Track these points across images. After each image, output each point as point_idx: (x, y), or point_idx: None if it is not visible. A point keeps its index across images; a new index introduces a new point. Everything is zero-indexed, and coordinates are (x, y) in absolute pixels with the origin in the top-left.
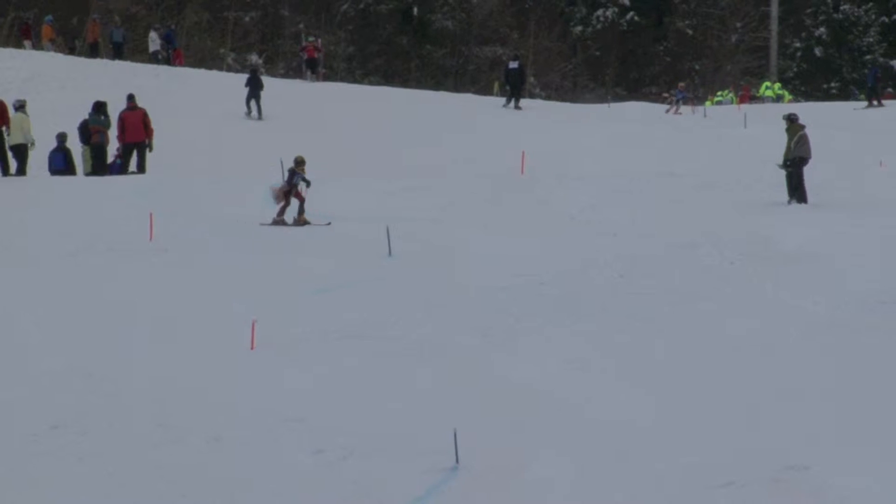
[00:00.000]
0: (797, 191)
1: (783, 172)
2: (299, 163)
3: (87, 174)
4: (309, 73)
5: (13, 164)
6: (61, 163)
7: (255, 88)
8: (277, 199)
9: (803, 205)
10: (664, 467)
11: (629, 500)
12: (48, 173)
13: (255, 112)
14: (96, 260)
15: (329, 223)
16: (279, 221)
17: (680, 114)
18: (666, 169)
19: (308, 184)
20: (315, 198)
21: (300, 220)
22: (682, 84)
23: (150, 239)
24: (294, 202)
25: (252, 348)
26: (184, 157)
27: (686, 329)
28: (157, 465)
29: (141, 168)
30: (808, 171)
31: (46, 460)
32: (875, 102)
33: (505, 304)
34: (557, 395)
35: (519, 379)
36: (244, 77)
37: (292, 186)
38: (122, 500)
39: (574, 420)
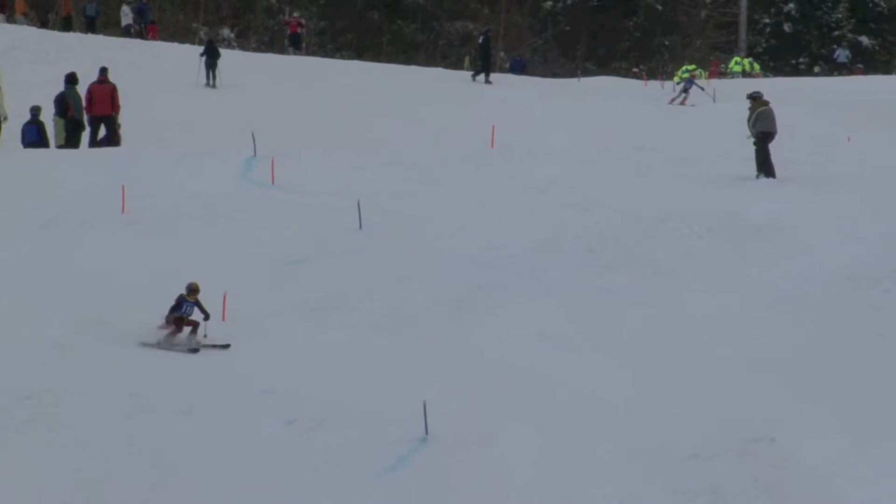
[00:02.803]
0: (765, 165)
1: (752, 147)
2: (192, 290)
3: (60, 146)
4: (291, 49)
5: None
6: (35, 135)
7: (211, 57)
8: (165, 328)
9: (771, 179)
10: (632, 440)
11: (596, 472)
12: (21, 146)
13: (212, 81)
14: (69, 232)
15: (228, 345)
16: (168, 345)
17: (684, 104)
18: (636, 143)
19: (206, 315)
20: (287, 170)
21: (194, 345)
22: (694, 71)
23: (123, 211)
24: (185, 329)
25: (223, 319)
26: (156, 130)
27: (654, 302)
28: (129, 436)
29: (111, 141)
30: (777, 146)
31: (19, 430)
32: None
33: (475, 277)
34: (527, 367)
35: (489, 351)
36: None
37: (182, 316)
38: (94, 469)
39: (542, 392)
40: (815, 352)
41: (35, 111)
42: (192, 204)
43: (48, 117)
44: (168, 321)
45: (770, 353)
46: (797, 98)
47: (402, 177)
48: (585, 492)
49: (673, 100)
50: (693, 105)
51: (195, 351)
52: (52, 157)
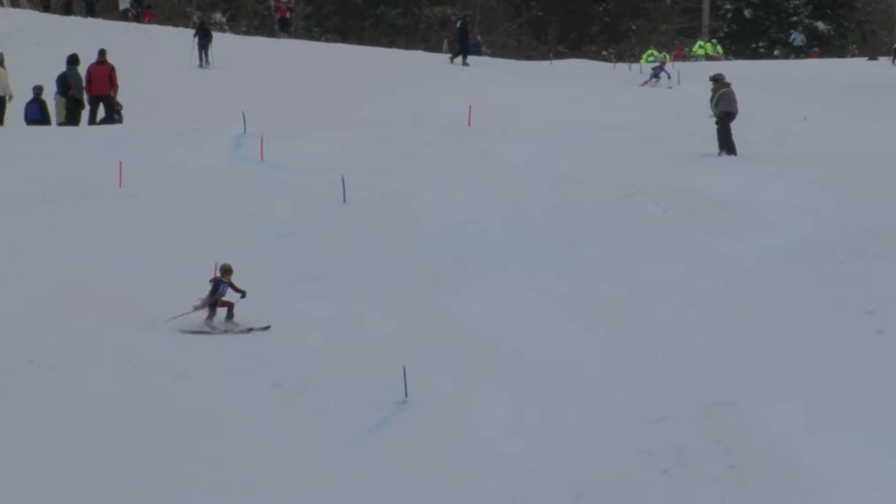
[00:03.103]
0: (726, 144)
1: (714, 126)
2: (226, 271)
3: (61, 124)
4: (281, 32)
5: None
6: (37, 113)
7: (203, 38)
8: (200, 309)
9: (733, 157)
10: (599, 403)
11: (565, 434)
12: (24, 123)
13: (204, 61)
14: (69, 205)
15: (267, 327)
16: (209, 327)
17: (655, 86)
18: (604, 122)
19: (242, 294)
20: (275, 147)
21: (230, 326)
22: (662, 58)
23: (120, 186)
24: (221, 311)
25: None
26: (151, 109)
27: (622, 274)
28: (126, 400)
29: (109, 121)
30: (738, 126)
31: (21, 394)
32: None
33: (453, 249)
34: (500, 335)
35: (465, 319)
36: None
37: (217, 297)
38: (92, 432)
39: (515, 358)
40: (774, 320)
41: (37, 90)
42: (184, 179)
43: (50, 96)
44: (203, 305)
45: (731, 321)
46: (757, 80)
47: (384, 154)
48: (555, 452)
49: (644, 83)
50: (670, 88)
51: (230, 331)
52: (53, 133)
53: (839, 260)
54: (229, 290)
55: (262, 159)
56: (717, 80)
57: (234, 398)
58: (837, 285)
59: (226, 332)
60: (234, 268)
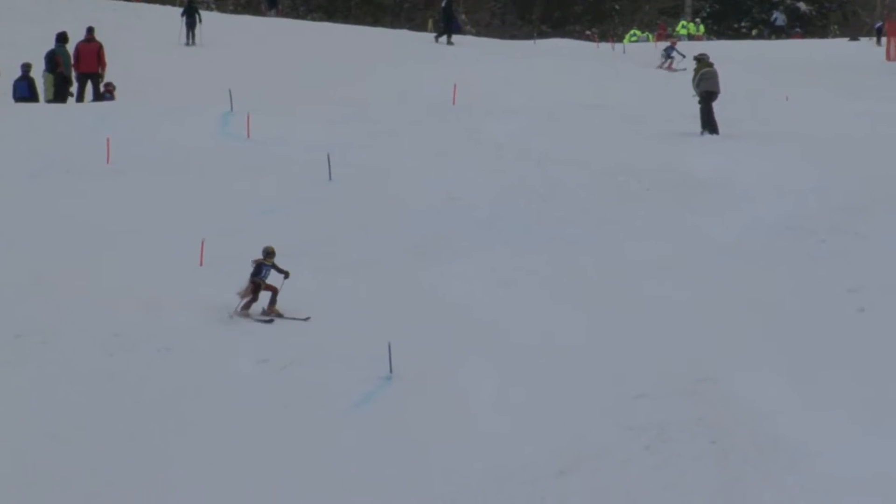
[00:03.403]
0: (709, 123)
1: (697, 106)
2: (269, 253)
3: (49, 101)
4: (271, 11)
5: None
6: (25, 91)
7: (190, 17)
8: (244, 294)
9: (715, 136)
10: (584, 381)
11: (550, 411)
12: (12, 100)
13: (191, 40)
14: (57, 181)
15: (307, 318)
16: (244, 315)
17: (674, 69)
18: (588, 101)
19: (286, 275)
20: (262, 124)
21: (270, 311)
22: (673, 39)
23: (108, 162)
24: (265, 294)
25: (201, 264)
26: (139, 86)
27: (604, 251)
28: (113, 373)
29: (96, 97)
30: (720, 105)
31: (9, 368)
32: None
33: (437, 226)
34: (485, 311)
35: (449, 295)
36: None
37: (261, 281)
38: (79, 405)
39: (499, 334)
40: (755, 298)
41: (26, 68)
42: (172, 156)
43: (38, 73)
44: (247, 290)
45: (713, 298)
46: (740, 60)
47: (369, 131)
48: (539, 428)
49: (660, 65)
50: (684, 69)
51: (270, 321)
52: (41, 110)
53: (821, 238)
54: (273, 272)
55: (248, 137)
56: (701, 60)
57: (221, 373)
58: (819, 264)
59: (269, 321)
60: (275, 250)
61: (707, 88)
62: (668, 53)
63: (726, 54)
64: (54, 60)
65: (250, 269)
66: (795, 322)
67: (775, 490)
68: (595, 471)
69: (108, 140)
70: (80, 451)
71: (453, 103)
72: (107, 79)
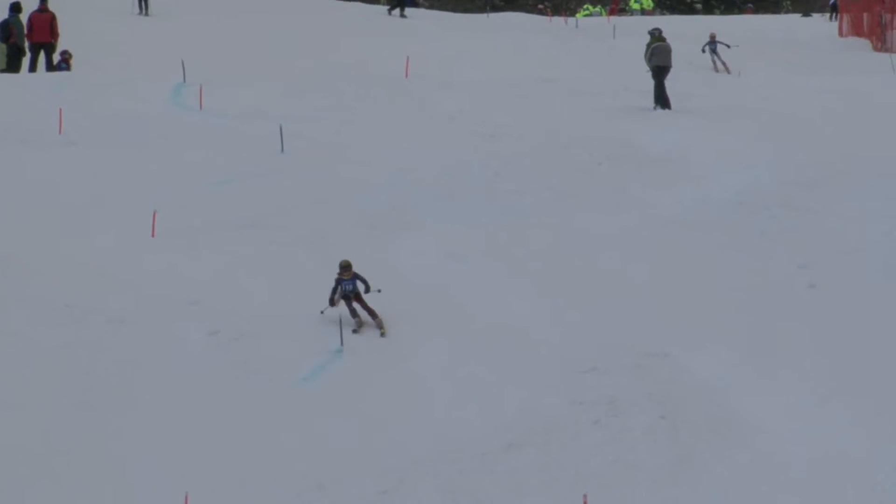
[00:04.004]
0: (661, 98)
1: (649, 80)
2: (345, 268)
3: (1, 71)
4: None
5: None
6: None
7: None
8: (353, 316)
9: (667, 111)
10: (534, 354)
11: (499, 384)
12: None
13: (144, 9)
14: (9, 150)
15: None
16: (360, 322)
17: (728, 71)
18: (541, 75)
19: (367, 287)
20: (214, 96)
21: (381, 330)
22: (713, 32)
23: (60, 132)
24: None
25: (153, 236)
26: (91, 56)
27: (556, 224)
28: (63, 344)
29: (49, 67)
30: (673, 80)
31: None
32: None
33: (389, 199)
34: (438, 285)
35: (402, 268)
36: None
37: (351, 294)
38: (27, 375)
39: (452, 309)
40: (706, 272)
41: None
42: (125, 126)
43: None
44: (333, 303)
45: (664, 273)
46: (692, 35)
47: (322, 104)
48: (488, 400)
49: (714, 67)
50: (737, 46)
51: (355, 332)
52: None
53: (772, 214)
54: (354, 284)
55: (200, 108)
56: (653, 35)
57: (172, 345)
58: (770, 239)
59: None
60: (351, 262)
61: (659, 63)
62: (713, 49)
63: (679, 30)
64: (7, 30)
65: (332, 287)
66: (747, 297)
67: (726, 465)
68: (544, 444)
69: (60, 110)
70: (31, 421)
71: (406, 76)
72: (60, 48)
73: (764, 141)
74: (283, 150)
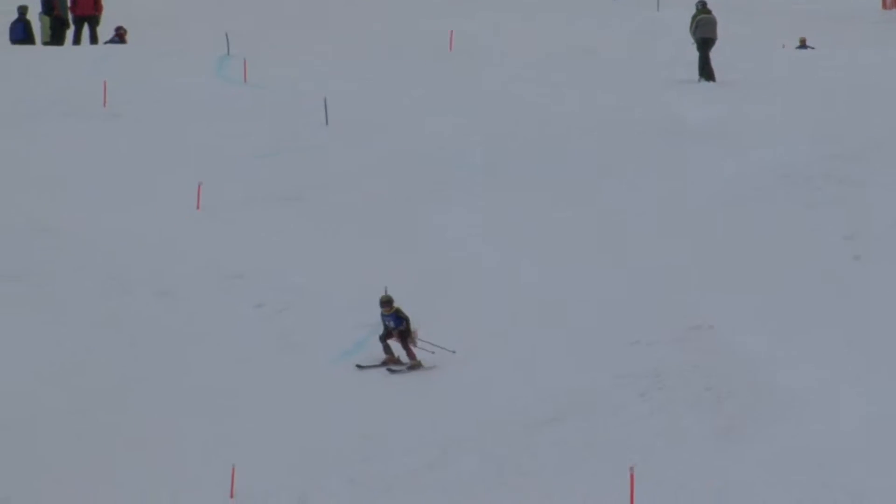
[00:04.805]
0: (705, 70)
1: (694, 53)
2: (384, 303)
3: (45, 44)
4: None
5: None
6: (21, 33)
7: None
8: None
9: (711, 83)
10: (578, 327)
11: (543, 357)
12: (9, 42)
13: None
14: (53, 124)
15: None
16: (389, 360)
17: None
18: (586, 48)
19: (406, 322)
20: (259, 68)
21: (413, 365)
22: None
23: (104, 105)
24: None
25: (198, 209)
26: (137, 30)
27: (600, 199)
28: (109, 316)
29: (93, 40)
30: (718, 53)
31: (5, 309)
32: None
33: (432, 172)
34: (480, 257)
35: (445, 241)
36: None
37: (392, 331)
38: (74, 347)
39: (495, 282)
40: (750, 246)
41: (22, 10)
42: (169, 100)
43: (35, 16)
44: (383, 343)
45: (709, 246)
46: (738, 7)
47: (366, 77)
48: (532, 374)
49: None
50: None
51: (384, 366)
52: (38, 53)
53: (815, 186)
54: (393, 320)
55: (245, 81)
56: (698, 7)
57: (217, 317)
58: (814, 211)
59: (409, 369)
60: (392, 297)
61: (704, 35)
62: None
63: (725, 2)
64: (51, 3)
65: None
66: (791, 269)
67: (770, 436)
68: (588, 418)
69: (104, 83)
70: (76, 393)
71: (450, 50)
72: (112, 24)
73: (808, 113)
74: (327, 122)
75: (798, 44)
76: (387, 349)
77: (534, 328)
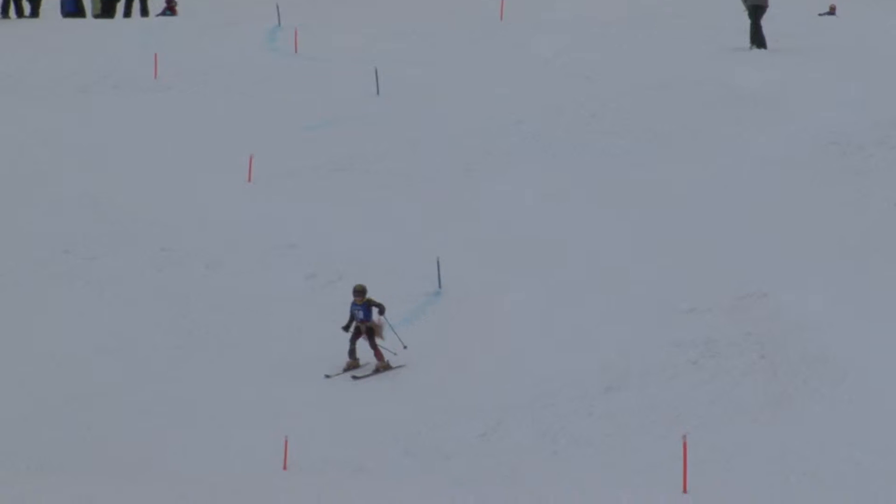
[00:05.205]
0: (757, 37)
1: (745, 20)
2: (358, 292)
3: (96, 16)
4: None
5: (27, 7)
6: (72, 6)
7: None
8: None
9: (763, 50)
10: (631, 295)
11: (597, 326)
12: (60, 15)
13: None
14: (104, 96)
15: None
16: (349, 364)
17: None
18: (636, 16)
19: (381, 309)
20: (309, 39)
21: (379, 368)
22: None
23: (155, 77)
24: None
25: (249, 180)
26: (187, 2)
27: (652, 165)
28: (160, 288)
29: (144, 12)
30: (769, 19)
31: (57, 283)
32: None
33: (485, 141)
34: (534, 227)
35: (498, 211)
36: None
37: (360, 323)
38: (126, 319)
39: (547, 250)
40: (802, 212)
41: None
42: (219, 71)
43: None
44: (351, 344)
45: (761, 213)
46: None
47: (417, 46)
48: (584, 340)
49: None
50: None
51: (382, 370)
52: (88, 25)
53: (868, 153)
54: (364, 311)
55: (295, 51)
56: None
57: (269, 288)
58: (866, 177)
59: (375, 372)
60: (366, 287)
61: (756, 2)
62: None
63: None
64: None
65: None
66: (843, 236)
67: (824, 403)
68: (642, 386)
69: (155, 55)
70: (129, 365)
71: (501, 19)
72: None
73: (859, 80)
74: (378, 92)
75: (827, 10)
76: (352, 353)
77: (588, 296)
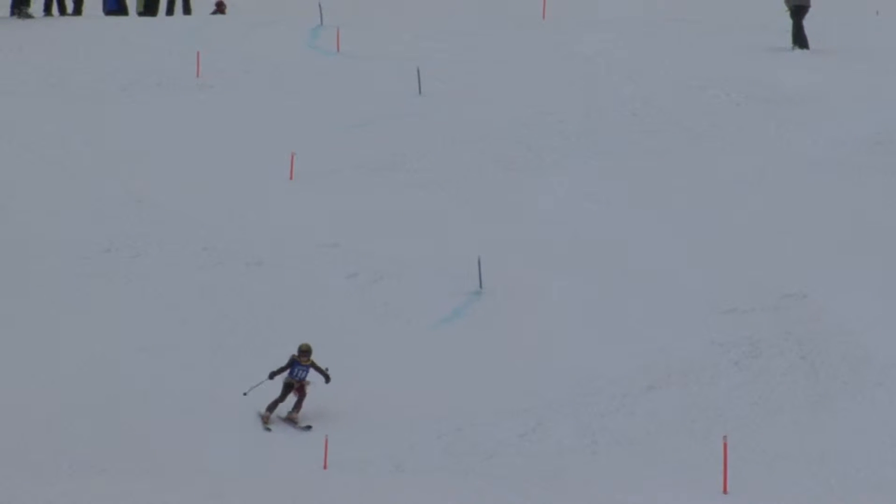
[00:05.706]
0: (799, 37)
1: (788, 20)
2: (303, 352)
3: (139, 14)
4: None
5: (70, 4)
6: (114, 4)
7: None
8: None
9: (805, 50)
10: (673, 294)
11: (639, 325)
12: (102, 13)
13: None
14: (146, 94)
15: (309, 426)
16: (265, 417)
17: None
18: (679, 14)
19: (326, 378)
20: (351, 38)
21: (291, 417)
22: None
23: (197, 75)
24: (291, 398)
25: (291, 179)
26: (232, 1)
27: (694, 165)
28: (202, 287)
29: (186, 10)
30: (811, 19)
31: (98, 281)
32: None
33: (527, 140)
34: (575, 226)
35: (540, 209)
36: None
37: (293, 380)
38: (167, 318)
39: (590, 250)
40: (845, 212)
41: None
42: (261, 70)
43: None
44: (271, 378)
45: (803, 213)
46: None
47: (459, 45)
48: (626, 340)
49: None
50: None
51: (292, 423)
52: (131, 23)
53: None
54: (309, 373)
55: (338, 50)
56: None
57: (310, 287)
58: None
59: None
60: (312, 347)
61: (798, 3)
62: None
63: None
64: None
65: (284, 365)
66: (885, 237)
67: (865, 405)
68: (684, 386)
69: (198, 54)
70: (171, 364)
71: (543, 18)
72: None
73: None
74: (420, 91)
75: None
76: (272, 407)
77: (630, 295)
